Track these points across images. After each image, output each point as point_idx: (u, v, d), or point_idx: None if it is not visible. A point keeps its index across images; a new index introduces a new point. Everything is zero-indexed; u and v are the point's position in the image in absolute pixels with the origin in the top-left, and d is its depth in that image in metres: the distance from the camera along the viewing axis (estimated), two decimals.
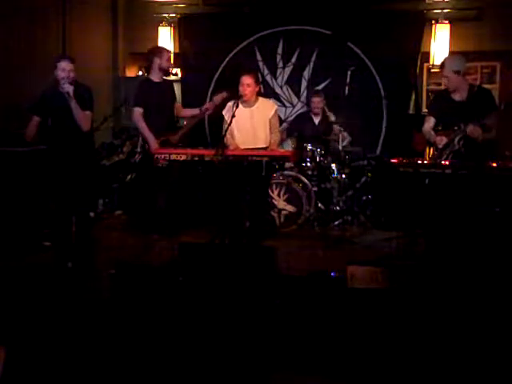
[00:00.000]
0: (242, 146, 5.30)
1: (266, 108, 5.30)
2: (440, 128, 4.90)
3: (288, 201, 5.88)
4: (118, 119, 6.95)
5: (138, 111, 5.48)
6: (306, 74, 7.34)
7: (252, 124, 5.26)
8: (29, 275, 4.21)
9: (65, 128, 4.74)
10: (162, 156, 4.71)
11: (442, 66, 4.84)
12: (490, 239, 4.23)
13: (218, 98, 5.33)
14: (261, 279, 3.78)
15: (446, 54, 6.91)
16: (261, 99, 5.32)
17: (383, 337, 3.20)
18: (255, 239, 4.93)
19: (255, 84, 5.21)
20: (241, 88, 5.11)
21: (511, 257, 4.07)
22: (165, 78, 5.84)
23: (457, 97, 4.80)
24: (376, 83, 7.09)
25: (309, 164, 6.15)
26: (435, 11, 7.03)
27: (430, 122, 4.97)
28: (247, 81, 5.12)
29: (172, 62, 7.53)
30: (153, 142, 5.40)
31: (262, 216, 5.32)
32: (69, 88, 4.57)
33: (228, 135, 5.19)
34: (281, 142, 6.11)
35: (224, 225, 4.90)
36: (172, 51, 7.63)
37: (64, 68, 4.62)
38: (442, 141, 4.78)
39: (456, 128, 4.70)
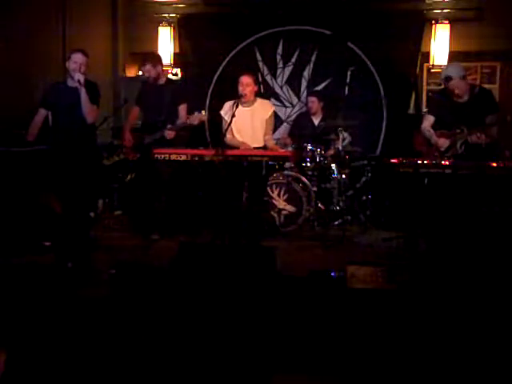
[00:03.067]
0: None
1: (264, 108, 5.31)
2: (438, 127, 4.89)
3: (288, 201, 5.88)
4: (118, 119, 6.94)
5: (134, 110, 5.79)
6: (306, 74, 7.34)
7: (252, 124, 5.26)
8: (28, 275, 4.21)
9: (68, 124, 4.75)
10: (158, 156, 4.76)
11: (449, 78, 4.70)
12: (489, 239, 4.24)
13: (194, 119, 5.13)
14: (261, 279, 3.77)
15: (446, 54, 6.92)
16: (259, 100, 5.33)
17: (383, 337, 3.20)
18: (255, 239, 4.94)
19: (254, 84, 5.22)
20: (240, 88, 5.12)
21: (511, 256, 4.07)
22: (169, 78, 6.09)
23: (458, 98, 4.78)
24: (376, 83, 7.09)
25: (309, 164, 6.15)
26: (435, 11, 7.03)
27: (429, 121, 4.96)
28: (246, 80, 5.13)
29: (172, 61, 7.61)
30: (126, 135, 5.65)
31: (262, 216, 5.32)
32: (80, 76, 4.64)
33: (230, 135, 5.19)
34: (285, 147, 6.14)
35: (224, 225, 4.90)
36: (172, 51, 7.66)
37: (76, 60, 4.71)
38: (444, 143, 4.76)
39: (458, 131, 4.68)
